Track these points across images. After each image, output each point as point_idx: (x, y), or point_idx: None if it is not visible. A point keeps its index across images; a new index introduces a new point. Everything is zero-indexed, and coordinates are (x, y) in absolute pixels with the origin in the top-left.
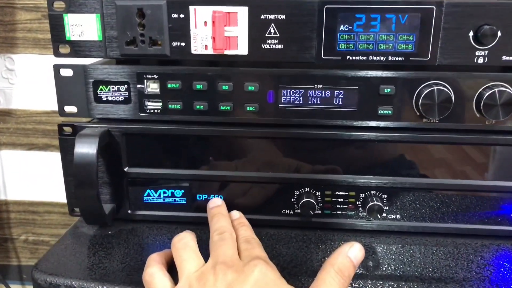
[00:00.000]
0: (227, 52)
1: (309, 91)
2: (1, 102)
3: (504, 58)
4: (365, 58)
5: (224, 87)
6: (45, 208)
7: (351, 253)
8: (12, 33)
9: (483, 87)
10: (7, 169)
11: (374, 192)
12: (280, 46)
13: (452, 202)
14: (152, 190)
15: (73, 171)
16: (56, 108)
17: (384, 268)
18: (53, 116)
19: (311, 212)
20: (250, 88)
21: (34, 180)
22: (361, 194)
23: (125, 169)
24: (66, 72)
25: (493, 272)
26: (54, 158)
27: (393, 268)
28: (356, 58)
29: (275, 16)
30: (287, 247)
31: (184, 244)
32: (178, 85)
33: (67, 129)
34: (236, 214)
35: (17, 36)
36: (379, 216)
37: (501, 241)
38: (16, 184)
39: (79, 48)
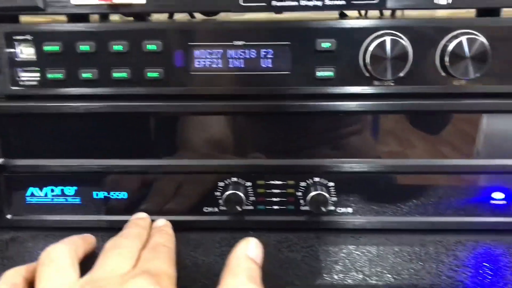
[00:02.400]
0: (116, 1)
1: (228, 51)
2: None
3: None
4: (295, 3)
5: (117, 48)
6: None
7: (251, 253)
8: None
9: (448, 37)
10: None
11: (318, 179)
12: None
13: (417, 189)
14: (36, 188)
15: None
16: None
17: (331, 275)
18: None
19: (238, 208)
20: (150, 47)
21: None
22: (301, 183)
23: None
24: None
25: (470, 276)
26: None
27: (341, 276)
28: (284, 3)
29: None
30: (206, 254)
31: (51, 259)
32: (58, 47)
33: None
34: (160, 222)
35: None
36: (324, 210)
37: (479, 236)
38: None
39: None
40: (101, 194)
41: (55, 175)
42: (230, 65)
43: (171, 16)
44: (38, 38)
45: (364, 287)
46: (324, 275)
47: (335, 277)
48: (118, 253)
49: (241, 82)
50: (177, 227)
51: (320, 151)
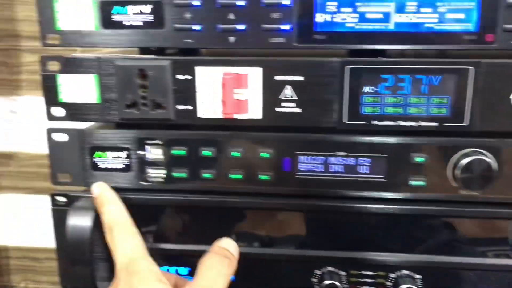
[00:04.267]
0: (237, 116)
1: (330, 158)
2: (3, 144)
3: None
4: (393, 123)
5: (235, 154)
6: (46, 255)
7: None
8: (17, 75)
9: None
10: (7, 213)
11: (406, 272)
12: (298, 110)
13: (495, 283)
14: None
15: (66, 247)
16: None
17: None
18: None
19: None
20: (263, 155)
21: (35, 225)
22: (391, 274)
23: None
24: (60, 137)
25: None
26: None
27: None
28: (383, 123)
29: (292, 78)
30: None
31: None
32: (184, 151)
33: (61, 199)
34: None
35: (21, 78)
36: None
37: None
38: (16, 229)
39: (75, 111)
40: None
41: (168, 257)
42: (331, 170)
43: None
44: (167, 143)
45: None
46: None
47: None
48: None
49: (340, 185)
50: None
51: (407, 247)
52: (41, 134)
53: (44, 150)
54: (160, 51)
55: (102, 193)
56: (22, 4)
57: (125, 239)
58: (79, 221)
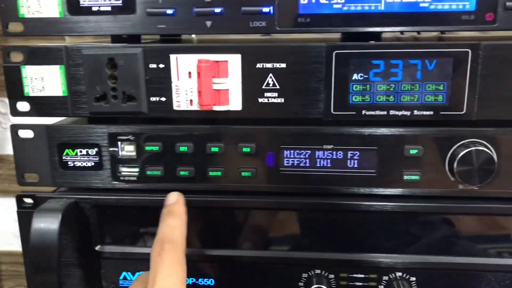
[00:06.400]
0: (216, 108)
1: (317, 152)
2: None
3: None
4: (385, 113)
5: (214, 149)
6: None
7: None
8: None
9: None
10: None
11: (400, 274)
12: (280, 100)
13: (496, 284)
14: (129, 273)
15: (30, 252)
16: None
17: None
18: None
19: None
20: (245, 149)
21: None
22: (383, 277)
23: (96, 248)
24: (26, 134)
25: None
26: None
27: None
28: (374, 113)
29: (273, 65)
30: None
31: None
32: (158, 147)
33: (28, 201)
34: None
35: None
36: None
37: None
38: (7, 234)
39: (40, 106)
40: (189, 280)
41: (146, 261)
42: (318, 165)
43: None
44: (140, 138)
45: None
46: None
47: None
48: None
49: (327, 181)
50: None
51: (401, 247)
52: None
53: None
54: (134, 39)
55: (176, 204)
56: None
57: (172, 266)
58: (45, 224)
